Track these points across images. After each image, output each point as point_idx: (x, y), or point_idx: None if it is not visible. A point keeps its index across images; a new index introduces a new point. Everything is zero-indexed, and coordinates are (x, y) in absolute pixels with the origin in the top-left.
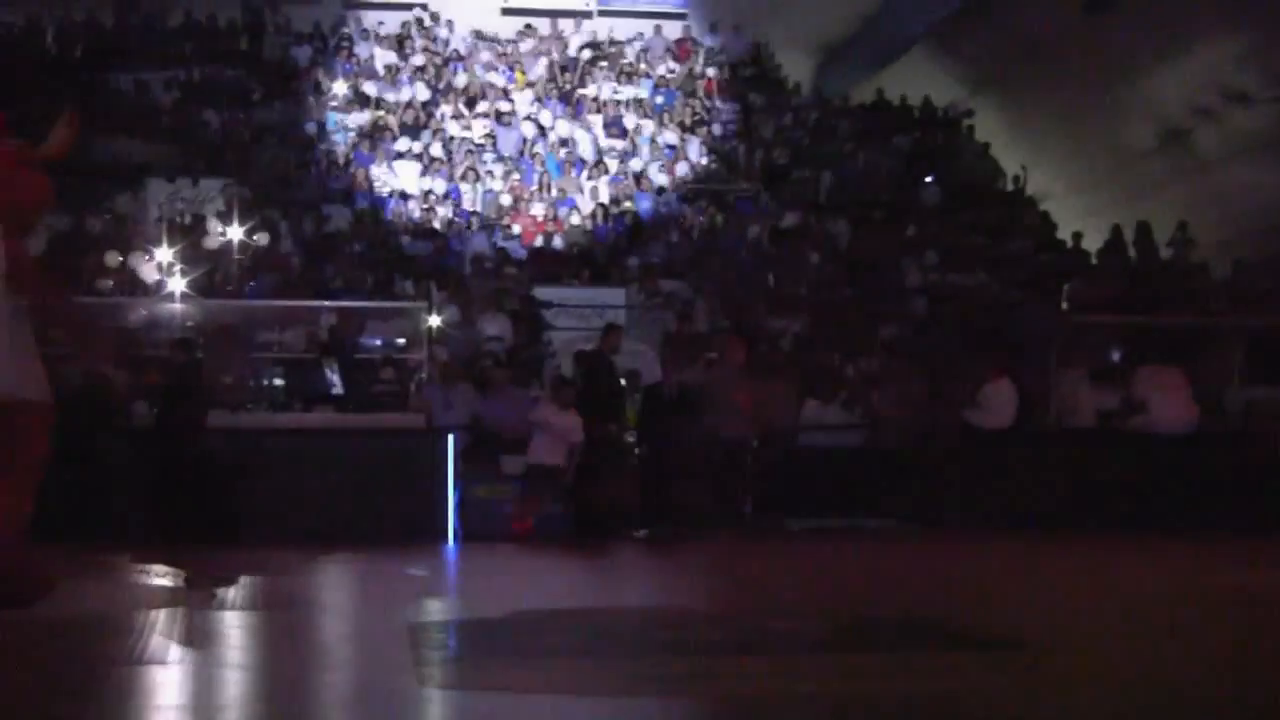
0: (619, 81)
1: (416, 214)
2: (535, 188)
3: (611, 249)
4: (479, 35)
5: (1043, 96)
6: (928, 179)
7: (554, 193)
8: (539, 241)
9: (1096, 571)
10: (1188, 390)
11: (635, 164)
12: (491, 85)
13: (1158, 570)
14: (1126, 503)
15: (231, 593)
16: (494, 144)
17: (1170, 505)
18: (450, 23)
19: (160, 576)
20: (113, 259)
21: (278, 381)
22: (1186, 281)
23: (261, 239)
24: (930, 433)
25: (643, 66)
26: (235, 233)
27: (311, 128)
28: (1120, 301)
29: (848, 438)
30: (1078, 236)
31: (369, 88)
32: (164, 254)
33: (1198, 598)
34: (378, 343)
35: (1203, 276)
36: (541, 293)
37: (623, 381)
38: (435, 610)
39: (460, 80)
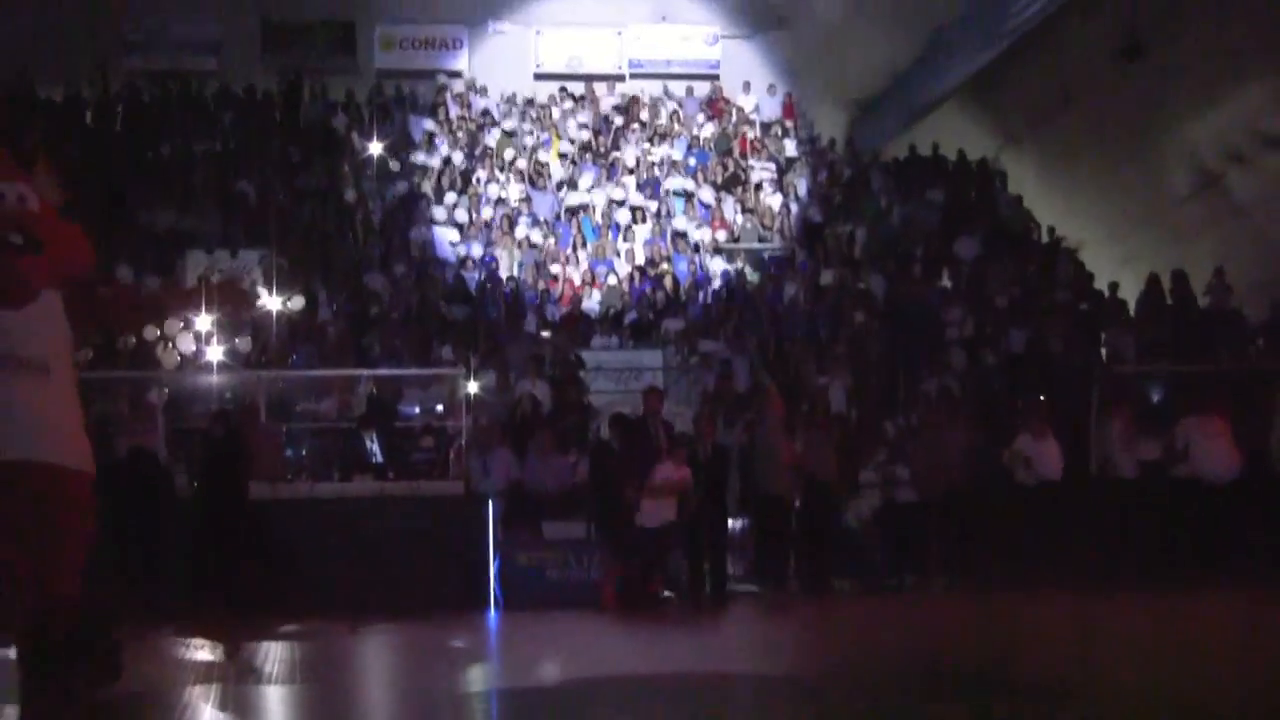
0: (652, 143)
1: (453, 279)
2: (571, 250)
3: (648, 310)
4: (512, 100)
5: (1076, 145)
6: (963, 233)
7: (590, 254)
8: (576, 303)
9: (1144, 620)
10: (1230, 437)
11: (670, 224)
12: (526, 149)
13: (1211, 620)
14: (1172, 552)
15: (273, 665)
16: (529, 207)
17: (1216, 553)
18: (484, 88)
19: (202, 649)
20: (173, 328)
21: (317, 451)
22: (1225, 327)
23: (297, 303)
24: (974, 488)
25: (676, 127)
26: (274, 302)
27: (349, 195)
28: (1160, 349)
29: (895, 493)
30: (1114, 286)
31: (405, 154)
32: (203, 324)
33: (1248, 646)
34: (416, 410)
35: (1240, 322)
36: (579, 355)
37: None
38: (477, 680)
39: (494, 145)
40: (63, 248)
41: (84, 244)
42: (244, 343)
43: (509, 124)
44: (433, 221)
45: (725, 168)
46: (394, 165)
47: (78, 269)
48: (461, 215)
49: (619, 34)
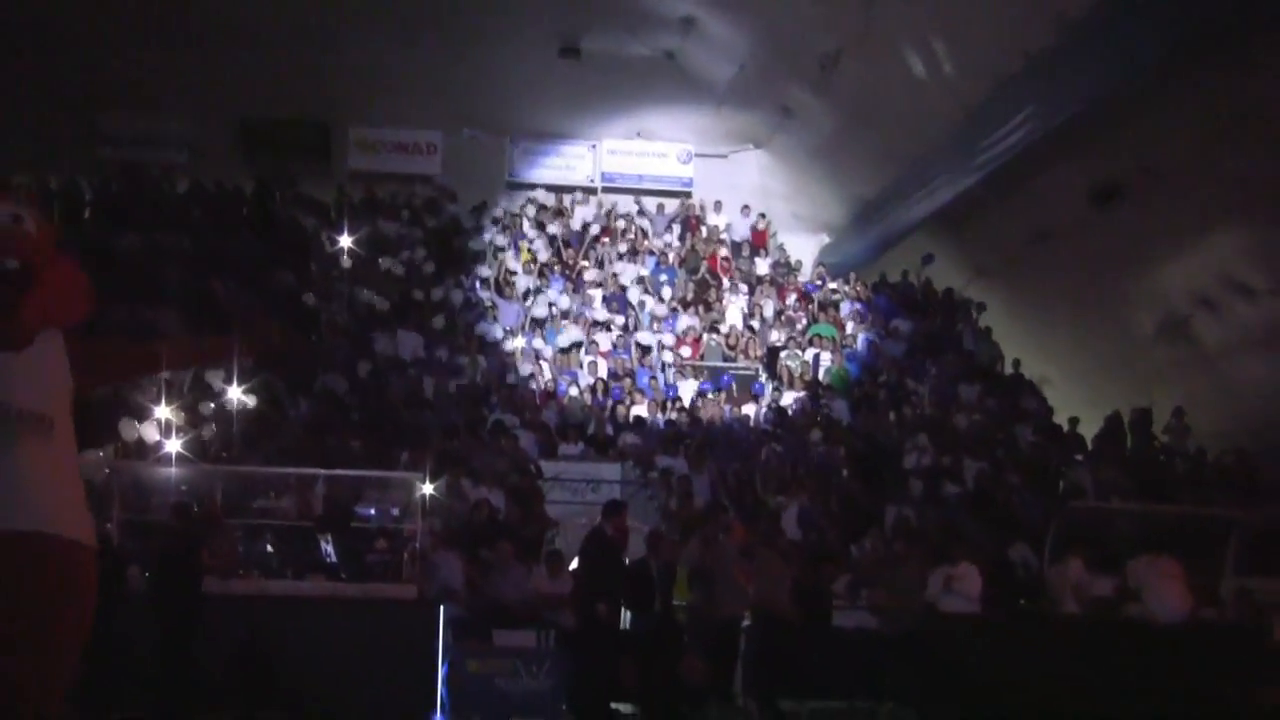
0: (622, 257)
1: (414, 383)
2: (534, 361)
3: (610, 424)
4: (483, 207)
5: (1046, 281)
6: (929, 362)
7: (553, 365)
8: (537, 413)
9: None
10: (1183, 579)
11: (635, 339)
12: (494, 257)
13: None
14: (1119, 693)
15: None
16: (495, 315)
17: (1163, 697)
18: (455, 194)
19: None
20: (128, 430)
21: (271, 549)
22: (1184, 469)
23: (250, 399)
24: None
25: (646, 243)
26: (234, 393)
27: (315, 296)
28: (1117, 487)
29: (848, 618)
30: (1074, 421)
31: (373, 256)
32: (163, 416)
33: None
34: (372, 512)
35: (1200, 464)
36: (538, 465)
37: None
38: None
39: (462, 251)
40: (62, 283)
41: (84, 282)
42: (206, 435)
43: (478, 231)
44: (397, 325)
45: (693, 285)
46: (361, 268)
47: (76, 310)
48: (426, 320)
49: (593, 147)
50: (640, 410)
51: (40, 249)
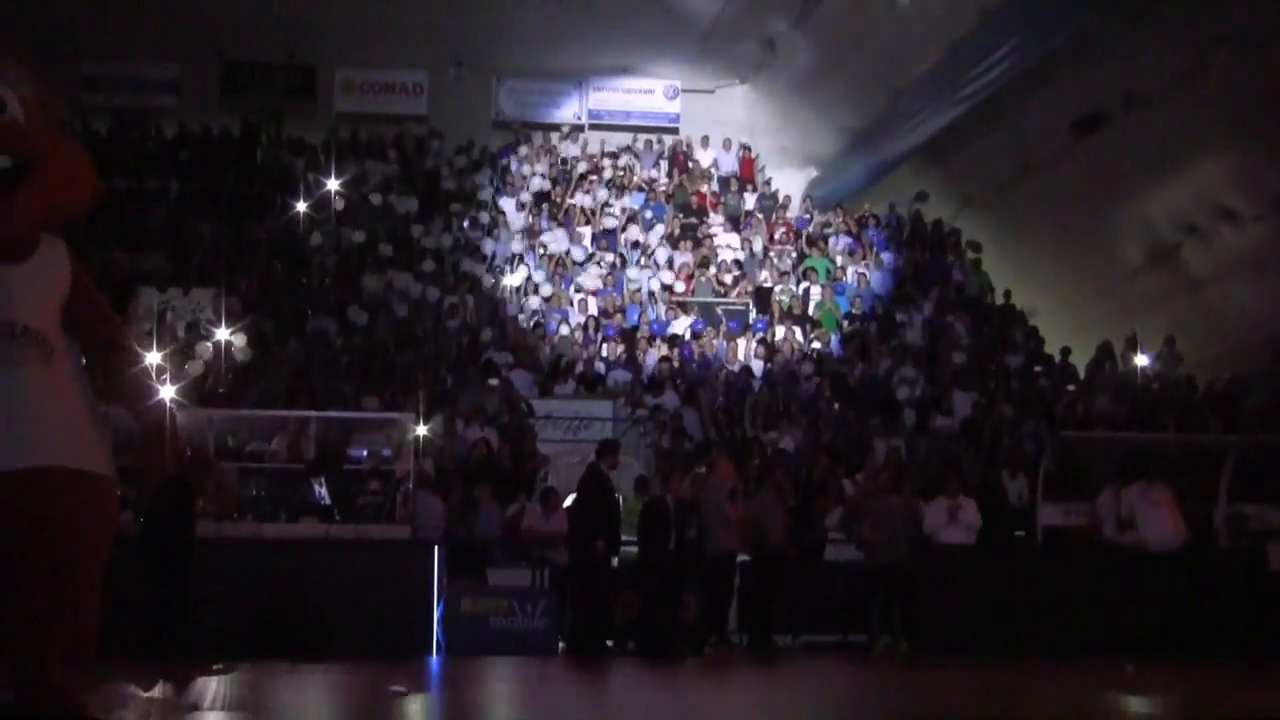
0: (610, 194)
1: (406, 324)
2: (524, 298)
3: (600, 361)
4: (470, 146)
5: (1033, 212)
6: (918, 294)
7: (543, 304)
8: (529, 352)
9: (1091, 696)
10: (1175, 507)
11: (625, 276)
12: (482, 196)
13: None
14: (1114, 621)
15: (214, 704)
16: (484, 254)
17: (1157, 624)
18: (442, 134)
19: (144, 688)
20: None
21: (264, 492)
22: (1174, 397)
23: (239, 340)
24: (917, 550)
25: (634, 179)
26: (222, 334)
27: (304, 238)
28: (1108, 416)
29: (841, 552)
30: (1066, 351)
31: (361, 198)
32: (154, 361)
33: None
34: (364, 454)
35: (1190, 392)
36: (529, 404)
37: (619, 498)
38: None
39: (451, 191)
40: (60, 172)
41: (84, 164)
42: (194, 370)
43: (466, 171)
44: (387, 266)
45: (682, 221)
46: (350, 209)
47: (77, 198)
48: (416, 261)
49: (579, 84)
50: (631, 347)
51: (31, 137)
